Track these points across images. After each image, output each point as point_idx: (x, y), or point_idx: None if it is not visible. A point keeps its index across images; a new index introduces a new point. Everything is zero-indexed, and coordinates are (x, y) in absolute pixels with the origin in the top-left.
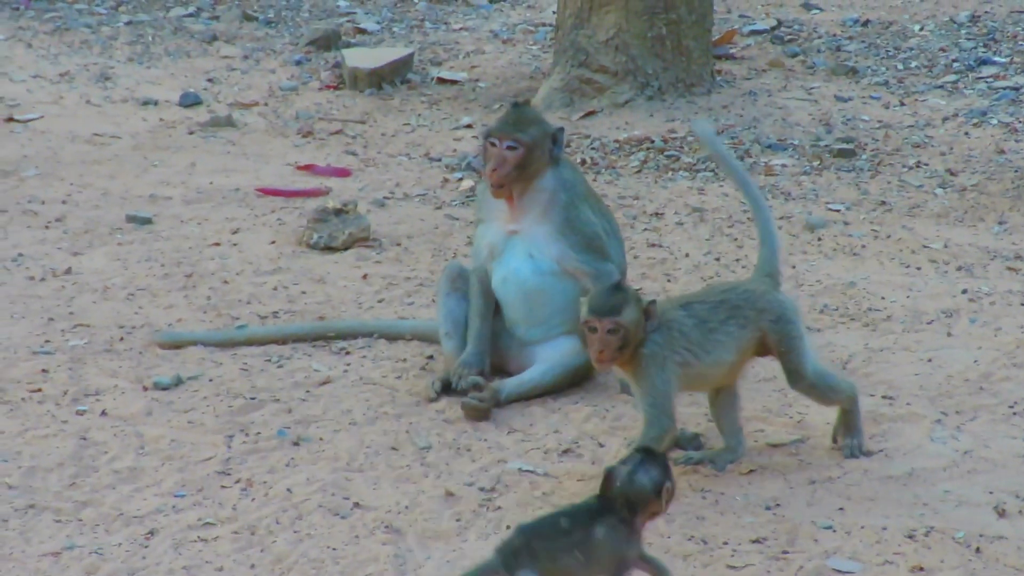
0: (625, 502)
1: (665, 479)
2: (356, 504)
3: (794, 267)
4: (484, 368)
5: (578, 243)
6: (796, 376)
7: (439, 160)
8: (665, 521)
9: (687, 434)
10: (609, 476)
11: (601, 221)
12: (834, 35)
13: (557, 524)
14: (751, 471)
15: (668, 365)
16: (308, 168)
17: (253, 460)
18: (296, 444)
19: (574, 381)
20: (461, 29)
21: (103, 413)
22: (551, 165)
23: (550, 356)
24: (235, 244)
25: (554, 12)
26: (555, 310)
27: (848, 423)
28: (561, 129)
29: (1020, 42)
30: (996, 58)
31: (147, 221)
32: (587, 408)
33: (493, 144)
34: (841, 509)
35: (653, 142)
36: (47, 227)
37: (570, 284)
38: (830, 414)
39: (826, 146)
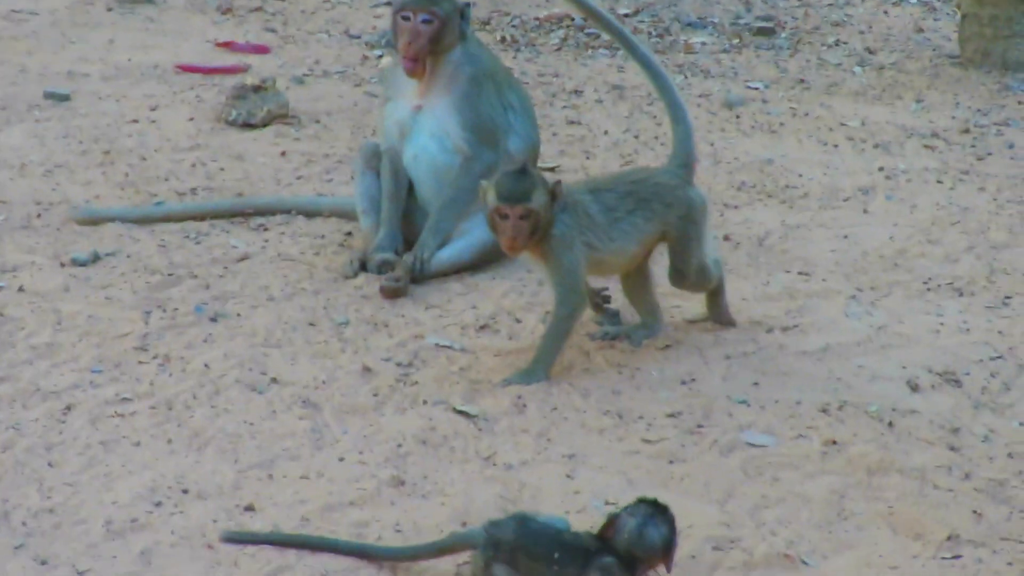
0: (629, 556)
1: (673, 535)
2: (273, 379)
3: (712, 144)
4: (398, 248)
5: (468, 122)
6: (679, 275)
7: (359, 37)
8: (581, 395)
9: (611, 310)
10: (614, 525)
11: (511, 95)
12: None
13: (551, 550)
14: (667, 346)
15: (576, 245)
16: (227, 45)
17: (170, 336)
18: (214, 320)
19: (491, 257)
20: None
21: (20, 289)
22: (460, 40)
23: (467, 233)
24: (153, 121)
25: None
26: (468, 189)
27: (715, 303)
28: (468, 4)
29: None
30: None
31: (65, 98)
32: (504, 284)
33: (406, 18)
34: (755, 384)
35: (573, 20)
36: None
37: (480, 162)
38: (747, 290)
39: (745, 24)
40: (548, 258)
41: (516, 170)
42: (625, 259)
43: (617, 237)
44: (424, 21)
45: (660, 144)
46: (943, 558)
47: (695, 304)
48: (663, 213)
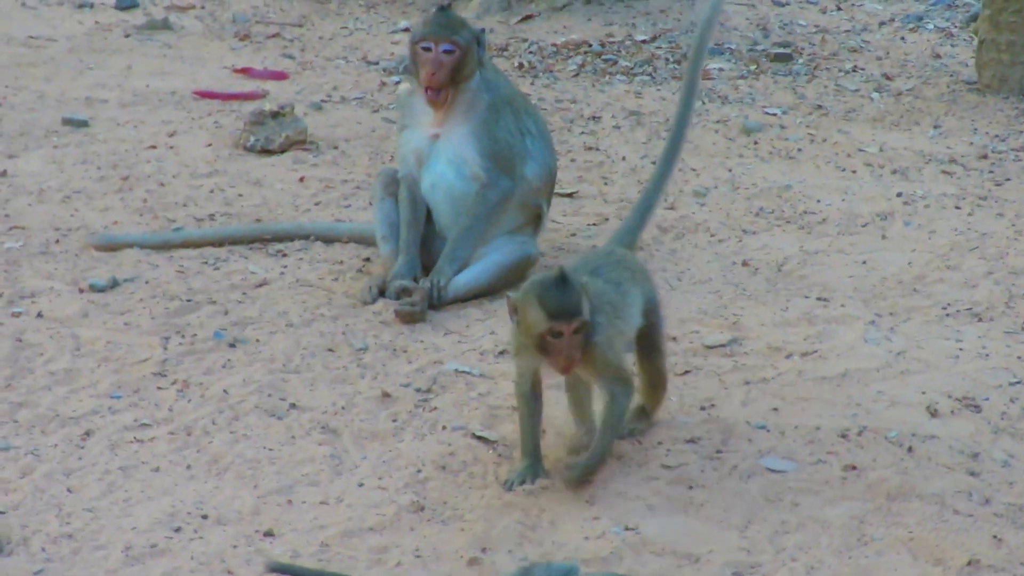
0: None
1: None
2: (292, 405)
3: (730, 170)
4: (416, 275)
5: (486, 149)
6: (657, 352)
7: (376, 63)
8: None
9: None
10: None
11: (528, 122)
12: None
13: None
14: (686, 372)
15: (615, 340)
16: (245, 71)
17: (189, 361)
18: (232, 346)
19: (509, 282)
20: None
21: (39, 315)
22: (477, 67)
23: (484, 257)
24: (172, 147)
25: None
26: (485, 215)
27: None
28: (484, 30)
29: None
30: None
31: (83, 124)
32: None
33: (427, 49)
34: (775, 409)
35: (591, 46)
36: None
37: (496, 189)
38: (765, 316)
39: (763, 50)
40: (596, 364)
41: (553, 279)
42: (633, 334)
43: (630, 307)
44: (446, 51)
45: (678, 170)
46: None
47: (713, 330)
48: (646, 283)
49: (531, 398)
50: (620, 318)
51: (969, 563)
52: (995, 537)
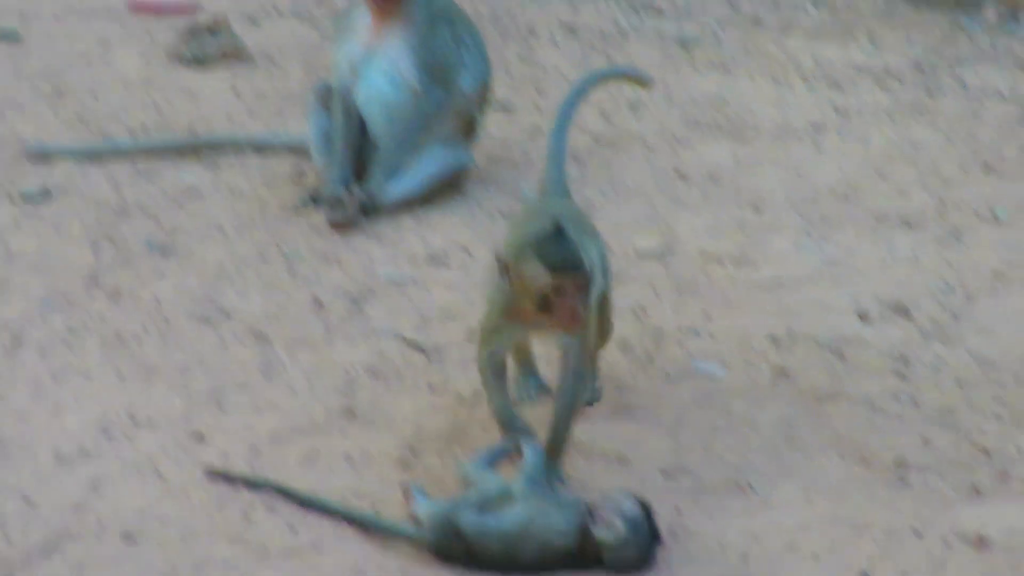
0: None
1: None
2: (224, 312)
3: (666, 82)
4: (349, 184)
5: (421, 61)
6: (608, 304)
7: None
8: None
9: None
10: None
11: (464, 34)
12: None
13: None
14: (618, 279)
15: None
16: None
17: (121, 270)
18: (164, 254)
19: (443, 191)
20: None
21: None
22: None
23: (418, 167)
24: (105, 59)
25: None
26: (419, 126)
27: None
28: None
29: None
30: None
31: (15, 35)
32: (455, 217)
33: None
34: (707, 315)
35: None
36: None
37: (431, 100)
38: (698, 224)
39: None
40: (599, 322)
41: (550, 233)
42: None
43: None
44: None
45: (612, 82)
46: (890, 483)
47: (646, 238)
48: (599, 237)
49: (500, 372)
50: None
51: (896, 463)
52: (923, 438)
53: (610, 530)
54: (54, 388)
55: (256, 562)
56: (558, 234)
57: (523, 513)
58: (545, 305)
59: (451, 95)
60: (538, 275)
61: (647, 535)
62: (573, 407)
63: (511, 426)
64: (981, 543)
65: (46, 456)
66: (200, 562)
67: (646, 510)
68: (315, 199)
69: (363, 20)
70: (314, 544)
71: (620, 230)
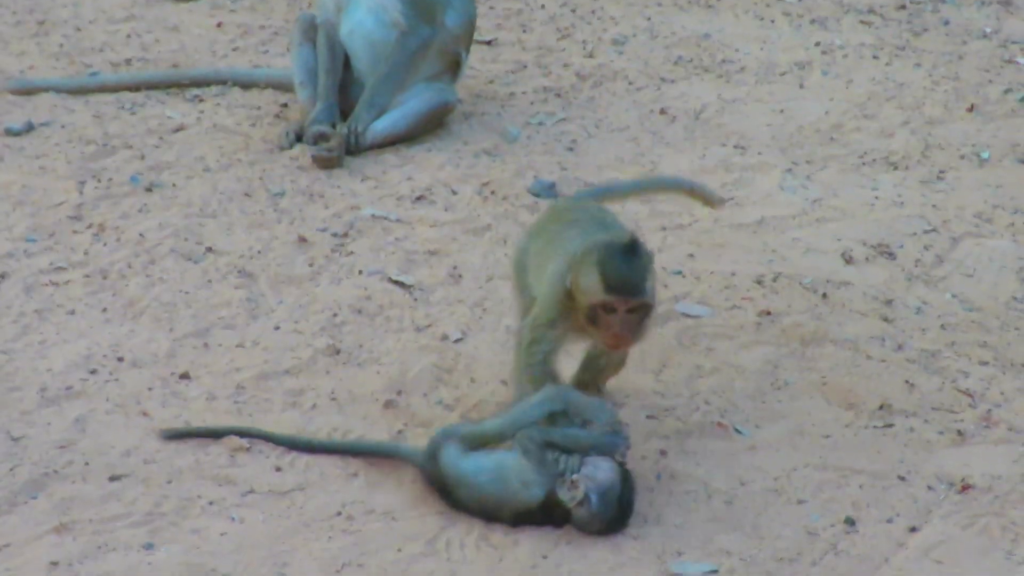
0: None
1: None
2: (209, 249)
3: (649, 19)
4: (334, 121)
5: None
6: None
7: None
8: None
9: None
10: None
11: None
12: None
13: None
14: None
15: None
16: None
17: (105, 206)
18: (149, 190)
19: (427, 128)
20: None
21: None
22: None
23: (403, 104)
24: None
25: None
26: (404, 63)
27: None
28: None
29: None
30: None
31: None
32: (440, 156)
33: None
34: (691, 255)
35: None
36: None
37: (416, 37)
38: (682, 163)
39: None
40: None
41: (626, 247)
42: None
43: None
44: None
45: (597, 18)
46: (875, 427)
47: (631, 175)
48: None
49: (552, 378)
50: None
51: (881, 407)
52: (907, 382)
53: (572, 493)
54: (39, 325)
55: (241, 502)
56: (630, 250)
57: (496, 462)
58: (595, 319)
59: (436, 32)
60: (594, 289)
61: (615, 505)
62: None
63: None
64: (965, 487)
65: (31, 394)
66: (185, 502)
67: (624, 480)
68: (299, 136)
69: None
70: (300, 485)
71: (603, 170)
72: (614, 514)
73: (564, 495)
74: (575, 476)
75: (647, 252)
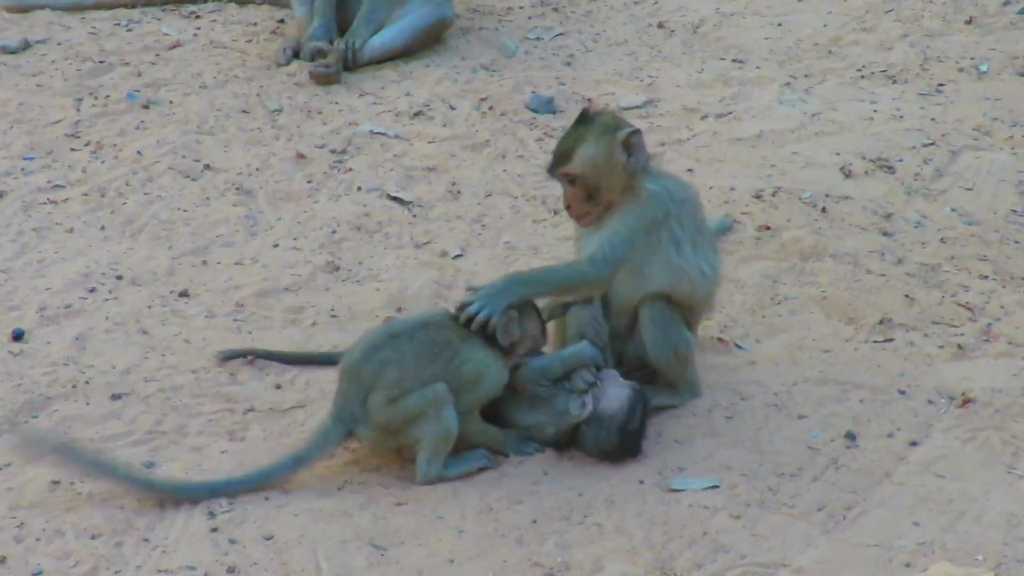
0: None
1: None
2: (207, 166)
3: None
4: (331, 37)
5: None
6: None
7: None
8: (515, 182)
9: None
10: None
11: None
12: None
13: None
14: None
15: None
16: None
17: (103, 123)
18: (146, 107)
19: (424, 43)
20: None
21: None
22: None
23: (400, 20)
24: None
25: None
26: None
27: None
28: None
29: None
30: None
31: None
32: (438, 71)
33: None
34: (690, 170)
35: None
36: None
37: None
38: (680, 77)
39: None
40: (622, 212)
41: (576, 119)
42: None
43: (706, 260)
44: None
45: None
46: (875, 341)
47: (628, 91)
48: None
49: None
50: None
51: (881, 321)
52: (907, 296)
53: (577, 407)
54: (37, 244)
55: (242, 420)
56: (575, 122)
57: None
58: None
59: None
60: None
61: (616, 430)
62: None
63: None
64: (966, 401)
65: (31, 313)
66: (186, 420)
67: (631, 411)
68: (296, 52)
69: None
70: (300, 403)
71: (602, 84)
72: (615, 440)
73: (573, 408)
74: (592, 391)
75: (600, 122)
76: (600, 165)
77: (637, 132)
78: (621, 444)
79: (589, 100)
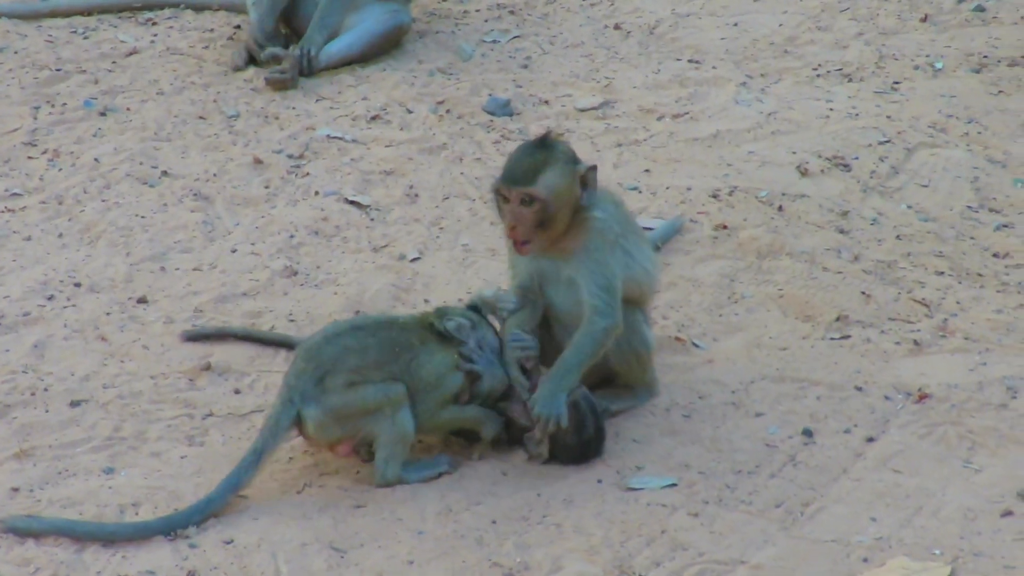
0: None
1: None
2: (164, 172)
3: None
4: (273, 35)
5: None
6: None
7: None
8: (473, 185)
9: None
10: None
11: None
12: None
13: None
14: (560, 135)
15: (617, 245)
16: None
17: (60, 131)
18: (103, 114)
19: (381, 49)
20: None
21: None
22: None
23: (356, 26)
24: None
25: None
26: None
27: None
28: None
29: None
30: None
31: None
32: (395, 75)
33: None
34: (647, 171)
35: None
36: None
37: None
38: (637, 78)
39: None
40: (582, 250)
41: (535, 142)
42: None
43: (647, 257)
44: None
45: None
46: (832, 338)
47: (585, 93)
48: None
49: None
50: (631, 243)
51: (838, 318)
52: (863, 293)
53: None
54: None
55: (201, 425)
56: (539, 144)
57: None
58: (499, 210)
59: None
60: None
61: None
62: (581, 350)
63: None
64: (922, 397)
65: None
66: (145, 426)
67: (587, 410)
68: (252, 56)
69: None
70: (259, 407)
71: (559, 86)
72: (576, 451)
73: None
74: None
75: (561, 151)
76: (562, 194)
77: (594, 168)
78: (583, 452)
79: (546, 102)
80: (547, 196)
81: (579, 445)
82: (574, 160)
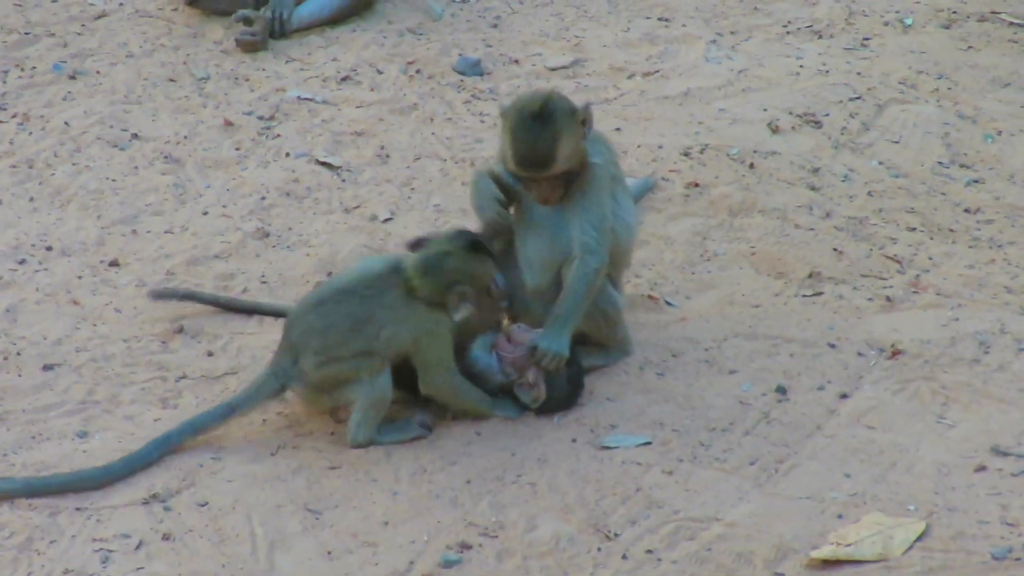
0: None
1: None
2: (135, 135)
3: None
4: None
5: None
6: None
7: None
8: (444, 145)
9: None
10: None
11: None
12: None
13: None
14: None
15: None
16: None
17: (29, 95)
18: (72, 78)
19: (353, 12)
20: None
21: None
22: None
23: None
24: None
25: None
26: None
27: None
28: None
29: None
30: None
31: None
32: (365, 36)
33: None
34: (618, 129)
35: None
36: None
37: None
38: (607, 37)
39: None
40: (578, 192)
41: (537, 115)
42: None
43: (629, 211)
44: None
45: None
46: (804, 295)
47: (555, 52)
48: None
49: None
50: (622, 188)
51: (810, 275)
52: (835, 249)
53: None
54: None
55: (174, 388)
56: (540, 116)
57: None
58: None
59: None
60: (507, 158)
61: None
62: (579, 291)
63: None
64: (895, 353)
65: None
66: (118, 389)
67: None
68: (224, 19)
69: None
70: (232, 369)
71: (529, 45)
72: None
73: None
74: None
75: (561, 111)
76: (576, 152)
77: (589, 105)
78: (572, 391)
79: (516, 61)
80: (567, 164)
81: (570, 388)
82: (573, 111)
